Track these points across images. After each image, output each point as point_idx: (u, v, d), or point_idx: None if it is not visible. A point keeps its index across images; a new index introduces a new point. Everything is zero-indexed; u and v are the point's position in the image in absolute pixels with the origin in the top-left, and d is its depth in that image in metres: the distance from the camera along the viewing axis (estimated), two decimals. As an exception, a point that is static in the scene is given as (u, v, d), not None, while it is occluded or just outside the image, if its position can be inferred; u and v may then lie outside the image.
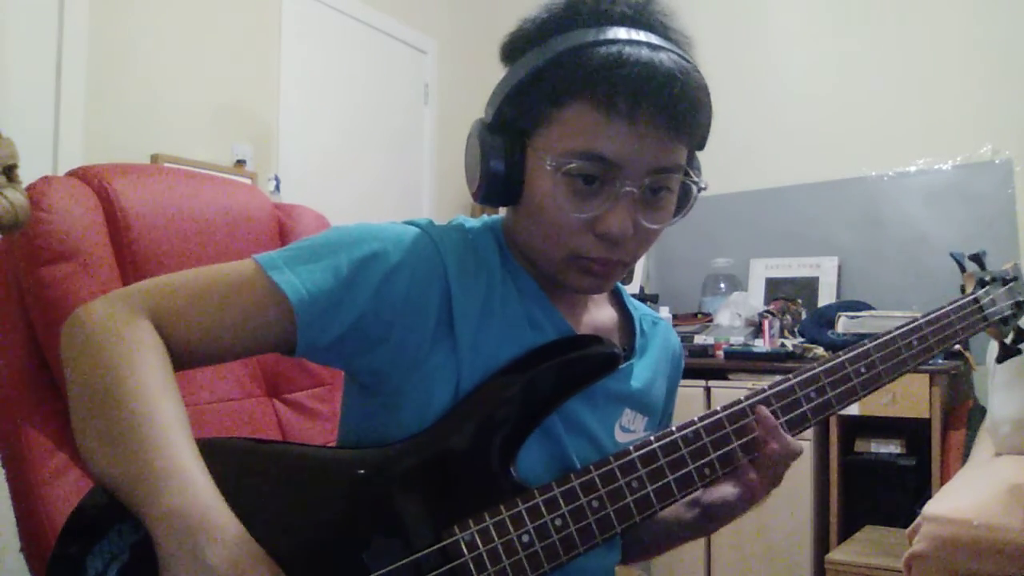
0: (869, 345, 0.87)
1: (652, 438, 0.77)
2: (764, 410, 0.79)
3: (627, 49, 0.71)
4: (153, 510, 0.60)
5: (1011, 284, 1.02)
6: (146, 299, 0.70)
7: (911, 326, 0.90)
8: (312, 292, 0.71)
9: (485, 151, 0.77)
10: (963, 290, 1.01)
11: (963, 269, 1.04)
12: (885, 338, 0.88)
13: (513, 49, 0.79)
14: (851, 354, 0.85)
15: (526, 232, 0.80)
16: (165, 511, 0.60)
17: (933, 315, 0.92)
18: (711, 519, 0.86)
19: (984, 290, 1.00)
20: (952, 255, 1.05)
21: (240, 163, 2.62)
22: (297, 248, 0.75)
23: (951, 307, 0.95)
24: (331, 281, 0.72)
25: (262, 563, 0.61)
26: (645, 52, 0.72)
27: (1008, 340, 1.02)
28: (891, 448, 2.48)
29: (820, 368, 0.84)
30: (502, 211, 0.85)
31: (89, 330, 0.68)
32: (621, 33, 0.73)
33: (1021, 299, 1.02)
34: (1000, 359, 1.04)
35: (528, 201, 0.77)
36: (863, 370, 0.85)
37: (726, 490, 0.82)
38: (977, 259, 1.05)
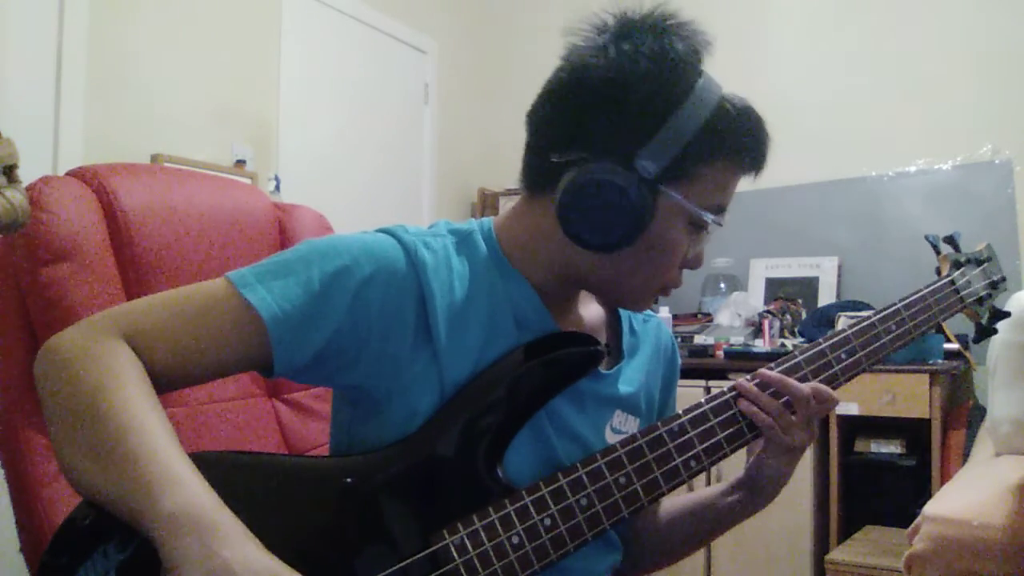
0: (848, 331, 0.87)
1: (638, 434, 0.77)
2: (765, 373, 0.82)
3: (740, 103, 0.77)
4: (156, 514, 0.59)
5: (985, 265, 1.02)
6: (118, 323, 0.69)
7: (889, 311, 0.90)
8: (284, 308, 0.70)
9: (636, 202, 0.72)
10: (939, 272, 1.01)
11: (938, 251, 1.03)
12: (864, 324, 0.88)
13: (630, 92, 0.74)
14: (831, 341, 0.86)
15: (615, 270, 0.79)
16: (168, 514, 0.58)
17: (910, 299, 0.93)
18: (757, 493, 0.86)
19: (960, 271, 0.99)
20: (927, 238, 1.04)
21: (240, 163, 2.62)
22: (269, 263, 0.74)
23: (928, 290, 0.95)
24: (303, 296, 0.71)
25: (271, 560, 0.60)
26: (745, 103, 0.78)
27: (984, 320, 1.01)
28: (891, 448, 2.48)
29: (801, 357, 0.84)
30: (501, 210, 0.85)
31: (65, 356, 0.67)
32: (721, 86, 0.77)
33: (995, 279, 1.02)
34: (976, 340, 1.04)
35: (645, 245, 0.76)
36: (843, 356, 0.85)
37: (766, 461, 0.84)
38: (951, 241, 1.04)
